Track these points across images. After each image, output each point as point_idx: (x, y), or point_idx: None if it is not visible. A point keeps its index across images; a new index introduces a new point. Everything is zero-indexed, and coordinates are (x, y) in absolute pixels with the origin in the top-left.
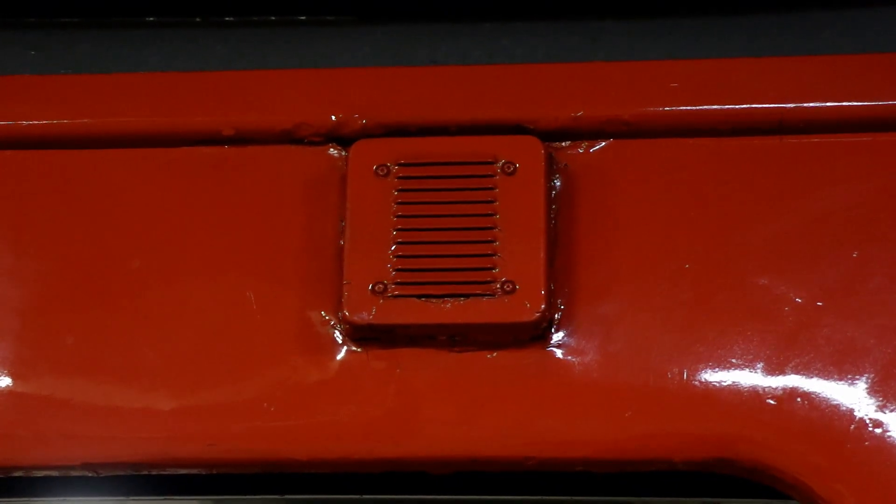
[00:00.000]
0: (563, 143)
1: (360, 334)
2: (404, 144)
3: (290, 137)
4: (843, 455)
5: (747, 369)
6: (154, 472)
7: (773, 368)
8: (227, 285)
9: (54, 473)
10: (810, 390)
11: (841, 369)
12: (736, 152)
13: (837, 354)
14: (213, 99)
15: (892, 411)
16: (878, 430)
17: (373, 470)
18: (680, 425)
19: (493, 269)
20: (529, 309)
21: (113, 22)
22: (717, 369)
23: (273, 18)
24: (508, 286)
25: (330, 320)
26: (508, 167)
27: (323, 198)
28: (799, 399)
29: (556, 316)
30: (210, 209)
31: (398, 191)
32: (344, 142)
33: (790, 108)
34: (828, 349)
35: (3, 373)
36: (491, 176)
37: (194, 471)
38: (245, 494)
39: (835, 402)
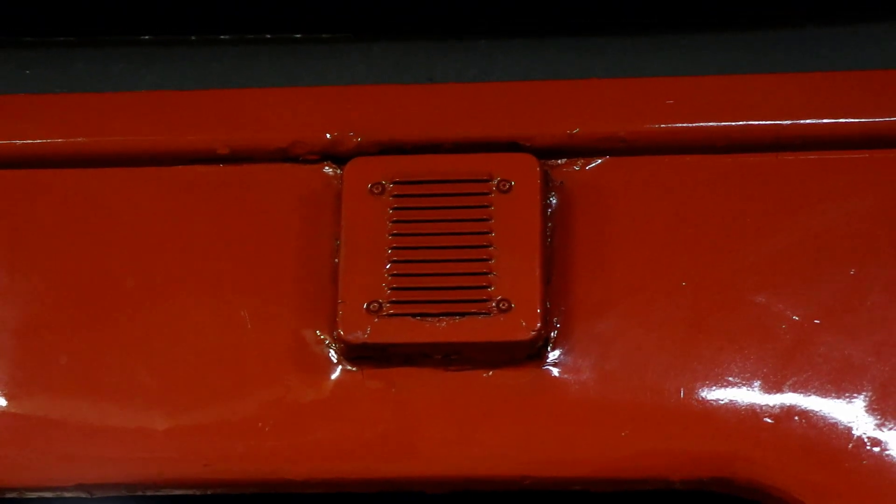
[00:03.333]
0: (559, 161)
1: (355, 353)
2: (399, 162)
3: (285, 156)
4: (841, 473)
5: (745, 387)
6: (149, 493)
7: (771, 386)
8: (222, 304)
9: (48, 495)
10: (808, 408)
11: (839, 387)
12: (732, 169)
13: (835, 372)
14: (209, 117)
15: (889, 429)
16: (876, 449)
17: (368, 489)
18: (677, 444)
19: (489, 287)
20: (525, 327)
21: (108, 41)
22: (714, 387)
23: (268, 37)
24: (504, 304)
25: (325, 339)
26: (504, 185)
27: (318, 216)
28: (796, 417)
29: (552, 334)
30: (205, 228)
31: (393, 209)
32: (339, 160)
33: (787, 124)
34: (825, 367)
35: None
36: (486, 194)
37: (189, 491)
38: None
39: (832, 421)
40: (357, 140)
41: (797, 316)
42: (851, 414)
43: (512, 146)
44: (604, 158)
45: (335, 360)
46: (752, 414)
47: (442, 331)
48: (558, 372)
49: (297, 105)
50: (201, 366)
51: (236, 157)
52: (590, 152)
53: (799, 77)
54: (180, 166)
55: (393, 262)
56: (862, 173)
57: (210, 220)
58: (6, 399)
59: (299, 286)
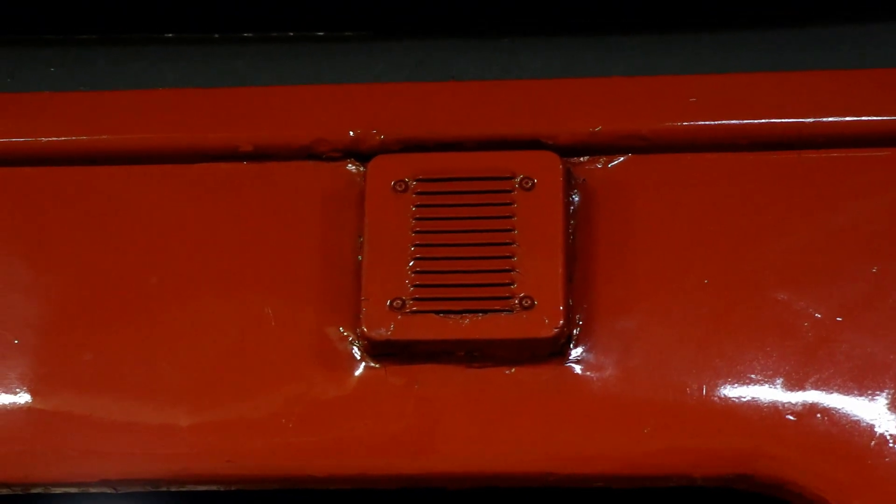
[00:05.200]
0: (582, 159)
1: (378, 350)
2: (422, 160)
3: (308, 153)
4: (864, 471)
5: (767, 384)
6: (172, 489)
7: (793, 384)
8: (246, 301)
9: (73, 490)
10: (830, 406)
11: (861, 384)
12: (754, 167)
13: (857, 369)
14: (232, 115)
15: None
16: None
17: (391, 486)
18: (699, 441)
19: (512, 284)
20: (548, 325)
21: (131, 38)
22: (736, 385)
23: (291, 34)
24: (527, 302)
25: (348, 336)
26: (526, 182)
27: (341, 213)
28: (819, 415)
29: (575, 331)
30: (228, 225)
31: (416, 206)
32: (362, 157)
33: (809, 122)
34: (847, 364)
35: (21, 389)
36: (509, 191)
37: (213, 487)
38: None
39: (855, 418)
40: (380, 138)
41: (819, 313)
42: (874, 411)
43: (534, 144)
44: (626, 156)
45: (358, 357)
46: (774, 411)
47: (465, 328)
48: (581, 369)
49: (320, 103)
50: (225, 362)
51: (260, 155)
52: (612, 150)
53: (821, 75)
54: (204, 164)
55: (416, 259)
56: (885, 171)
57: (233, 217)
58: (32, 395)
59: (323, 283)
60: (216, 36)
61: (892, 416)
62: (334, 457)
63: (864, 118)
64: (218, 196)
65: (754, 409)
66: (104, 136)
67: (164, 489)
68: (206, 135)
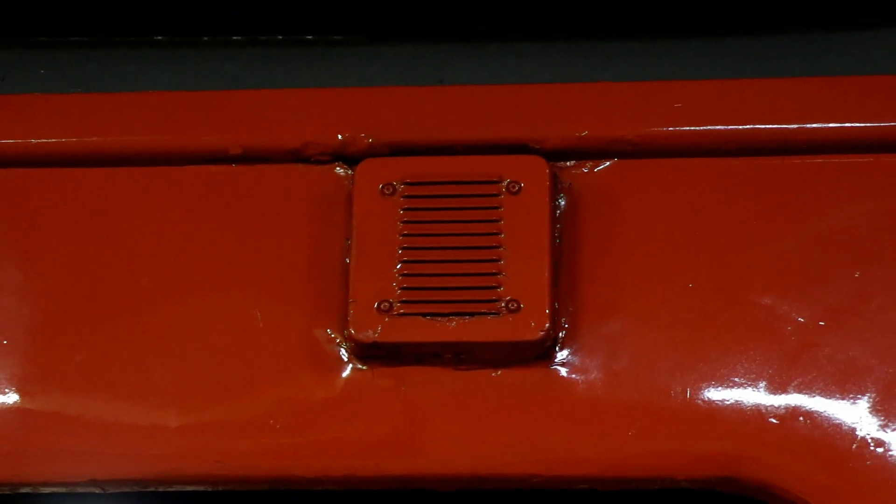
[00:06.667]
0: (568, 163)
1: (365, 352)
2: (410, 163)
3: (297, 156)
4: (846, 474)
5: (750, 388)
6: (161, 489)
7: (776, 387)
8: (234, 303)
9: (61, 490)
10: (813, 409)
11: (843, 388)
12: (739, 172)
13: (840, 374)
14: (221, 118)
15: (894, 430)
16: (880, 450)
17: (378, 487)
18: (683, 443)
19: (498, 287)
20: (534, 327)
21: (122, 41)
22: (720, 388)
23: (281, 38)
24: (513, 305)
25: (336, 338)
26: (513, 186)
27: (329, 216)
28: (801, 418)
29: (561, 334)
30: (218, 227)
31: (404, 210)
32: (350, 161)
33: (793, 128)
34: (830, 368)
35: (11, 389)
36: (496, 195)
37: (201, 488)
38: None
39: (837, 421)
40: (368, 141)
41: (803, 318)
42: (856, 415)
43: (521, 148)
44: (612, 161)
45: (346, 359)
46: (757, 414)
47: (452, 330)
48: (566, 372)
49: (309, 106)
50: (213, 364)
51: (249, 158)
52: (598, 154)
53: (805, 81)
54: (193, 166)
55: (403, 262)
56: (867, 177)
57: (223, 219)
58: (22, 395)
59: (311, 286)
60: (206, 39)
61: (874, 420)
62: (322, 458)
63: (847, 124)
64: (207, 198)
65: (738, 413)
66: (95, 138)
67: (152, 489)
68: (196, 137)
